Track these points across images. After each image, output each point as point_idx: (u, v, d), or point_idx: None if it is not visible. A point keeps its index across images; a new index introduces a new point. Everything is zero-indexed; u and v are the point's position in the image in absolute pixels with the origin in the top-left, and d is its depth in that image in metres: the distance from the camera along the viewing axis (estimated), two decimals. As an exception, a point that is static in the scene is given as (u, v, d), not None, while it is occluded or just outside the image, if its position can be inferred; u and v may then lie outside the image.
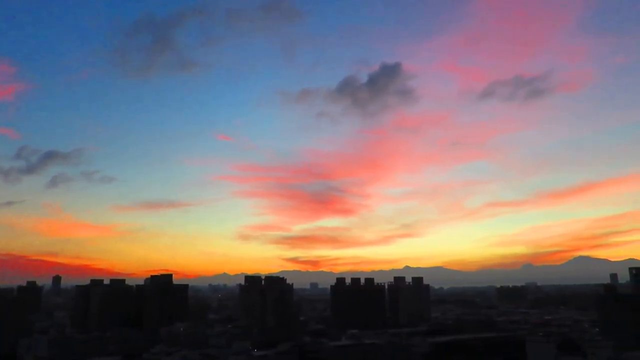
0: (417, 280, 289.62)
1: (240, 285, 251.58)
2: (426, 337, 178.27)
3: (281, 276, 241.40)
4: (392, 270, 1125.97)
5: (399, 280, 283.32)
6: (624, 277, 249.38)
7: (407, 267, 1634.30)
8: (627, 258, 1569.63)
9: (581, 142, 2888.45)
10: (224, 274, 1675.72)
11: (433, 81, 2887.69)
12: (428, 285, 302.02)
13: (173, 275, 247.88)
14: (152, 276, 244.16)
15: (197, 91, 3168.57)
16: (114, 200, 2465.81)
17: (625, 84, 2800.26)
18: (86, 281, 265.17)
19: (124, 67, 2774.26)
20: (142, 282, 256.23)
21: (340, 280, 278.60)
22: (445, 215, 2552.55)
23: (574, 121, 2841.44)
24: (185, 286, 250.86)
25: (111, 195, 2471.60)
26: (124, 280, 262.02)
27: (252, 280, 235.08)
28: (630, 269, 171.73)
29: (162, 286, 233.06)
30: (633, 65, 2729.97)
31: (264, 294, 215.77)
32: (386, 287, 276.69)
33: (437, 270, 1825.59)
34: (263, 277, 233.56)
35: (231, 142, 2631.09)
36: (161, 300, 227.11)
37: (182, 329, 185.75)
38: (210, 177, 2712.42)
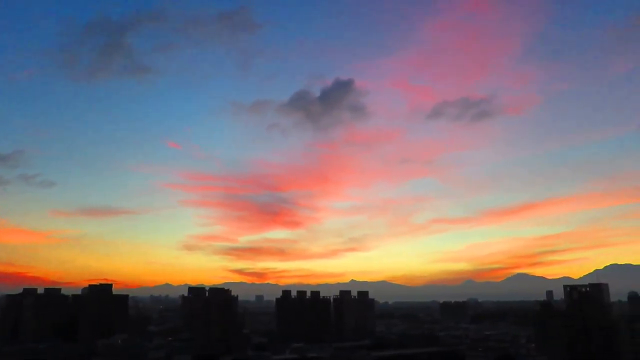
0: (363, 295, 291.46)
1: (183, 296, 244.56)
2: (370, 351, 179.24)
3: (226, 288, 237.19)
4: (338, 284, 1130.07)
5: (344, 294, 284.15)
6: (559, 294, 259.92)
7: (353, 281, 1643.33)
8: (562, 276, 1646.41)
9: (523, 164, 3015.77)
10: (167, 284, 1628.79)
11: (384, 98, 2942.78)
12: (373, 299, 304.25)
13: (113, 285, 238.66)
14: (90, 285, 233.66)
15: (147, 97, 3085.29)
16: (53, 205, 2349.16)
17: (566, 109, 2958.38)
18: (19, 290, 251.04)
19: (72, 68, 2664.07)
20: (79, 292, 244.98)
21: (286, 293, 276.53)
22: (393, 230, 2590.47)
23: (517, 143, 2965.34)
24: (125, 296, 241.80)
25: (51, 200, 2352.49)
26: (59, 290, 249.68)
27: (196, 292, 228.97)
28: (565, 286, 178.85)
29: (100, 296, 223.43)
30: (573, 92, 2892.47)
31: (208, 305, 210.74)
32: (332, 300, 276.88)
33: (382, 284, 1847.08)
34: (207, 289, 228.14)
35: (180, 150, 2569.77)
36: (99, 311, 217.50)
37: (120, 342, 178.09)
38: (157, 184, 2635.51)
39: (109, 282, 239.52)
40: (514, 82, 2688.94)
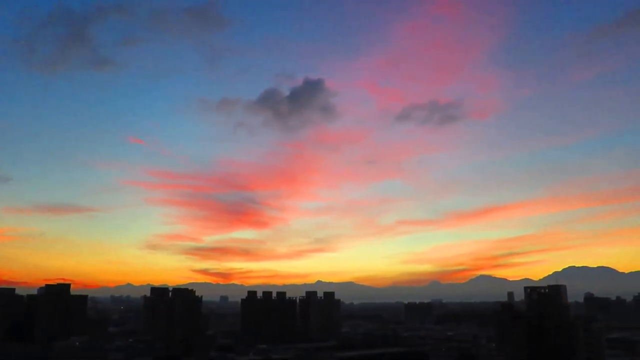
0: (329, 295, 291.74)
1: (145, 296, 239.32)
2: (335, 352, 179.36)
3: (190, 288, 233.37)
4: (305, 285, 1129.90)
5: (310, 294, 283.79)
6: (520, 295, 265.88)
7: (319, 282, 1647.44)
8: (523, 278, 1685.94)
9: (488, 167, 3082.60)
10: (128, 284, 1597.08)
11: (354, 99, 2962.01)
12: (339, 300, 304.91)
13: (71, 285, 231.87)
14: (47, 285, 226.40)
15: (110, 91, 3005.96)
16: (8, 201, 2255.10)
17: (529, 115, 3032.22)
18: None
19: (30, 59, 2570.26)
20: (35, 292, 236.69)
21: (252, 294, 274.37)
22: (359, 232, 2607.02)
23: (482, 147, 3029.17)
24: (84, 297, 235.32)
25: (5, 196, 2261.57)
26: (14, 290, 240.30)
27: (158, 292, 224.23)
28: (525, 288, 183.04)
29: (57, 296, 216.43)
30: (536, 99, 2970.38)
31: (171, 306, 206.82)
32: (298, 301, 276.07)
33: (348, 285, 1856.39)
34: (170, 289, 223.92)
35: (144, 147, 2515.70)
36: (56, 312, 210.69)
37: (78, 343, 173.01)
38: (119, 181, 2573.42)
39: (67, 282, 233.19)
40: (480, 87, 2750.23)
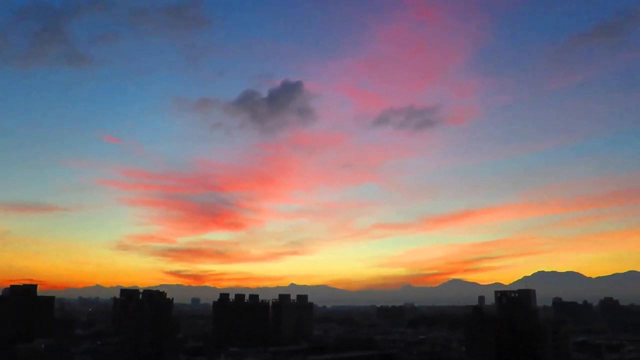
0: (302, 298, 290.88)
1: (114, 298, 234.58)
2: (306, 356, 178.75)
3: (161, 290, 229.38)
4: (278, 288, 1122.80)
5: (283, 297, 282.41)
6: (490, 299, 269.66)
7: (292, 285, 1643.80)
8: (494, 282, 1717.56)
9: (463, 172, 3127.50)
10: (97, 286, 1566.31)
11: (332, 102, 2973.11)
12: (312, 303, 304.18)
13: (38, 286, 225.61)
14: (11, 286, 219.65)
15: (85, 87, 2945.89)
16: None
17: (504, 121, 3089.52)
18: None
19: (3, 54, 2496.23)
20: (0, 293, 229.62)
21: (224, 296, 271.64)
22: (334, 235, 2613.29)
23: (458, 152, 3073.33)
24: (51, 298, 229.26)
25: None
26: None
27: (128, 294, 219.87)
28: (496, 292, 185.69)
29: (22, 297, 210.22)
30: (512, 105, 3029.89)
31: (141, 308, 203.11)
32: (271, 304, 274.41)
33: (322, 288, 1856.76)
34: (141, 291, 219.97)
35: (119, 145, 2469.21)
36: (21, 314, 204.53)
37: (43, 346, 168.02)
38: (92, 180, 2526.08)
39: (34, 283, 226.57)
40: (457, 93, 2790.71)
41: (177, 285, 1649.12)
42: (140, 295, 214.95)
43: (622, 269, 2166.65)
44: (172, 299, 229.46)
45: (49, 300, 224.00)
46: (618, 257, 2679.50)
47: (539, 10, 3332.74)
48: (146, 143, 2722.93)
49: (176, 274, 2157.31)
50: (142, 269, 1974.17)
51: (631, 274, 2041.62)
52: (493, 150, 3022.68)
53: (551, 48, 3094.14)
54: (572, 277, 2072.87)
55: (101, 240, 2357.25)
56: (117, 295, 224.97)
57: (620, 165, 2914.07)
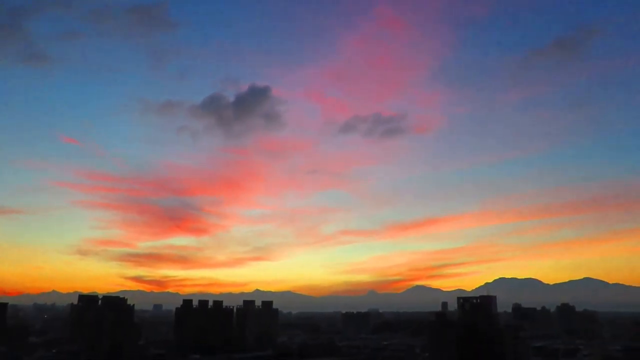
0: (267, 304, 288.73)
1: (72, 305, 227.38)
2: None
3: (122, 296, 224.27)
4: (242, 294, 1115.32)
5: (248, 303, 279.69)
6: (453, 305, 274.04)
7: (257, 291, 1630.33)
8: (456, 288, 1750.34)
9: (427, 181, 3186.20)
10: (54, 292, 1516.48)
11: (299, 108, 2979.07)
12: (277, 309, 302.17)
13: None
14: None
15: (43, 87, 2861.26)
16: None
17: (466, 132, 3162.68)
18: None
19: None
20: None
21: (187, 302, 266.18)
22: (299, 240, 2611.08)
23: (421, 161, 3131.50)
24: (4, 305, 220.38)
25: None
26: None
27: (87, 300, 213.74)
28: (458, 298, 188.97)
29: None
30: (473, 117, 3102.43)
31: (100, 315, 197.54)
32: (235, 310, 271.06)
33: (287, 294, 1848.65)
34: (100, 297, 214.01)
35: (78, 147, 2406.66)
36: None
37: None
38: (48, 182, 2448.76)
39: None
40: (421, 103, 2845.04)
41: (139, 291, 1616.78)
42: (100, 302, 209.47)
43: (578, 276, 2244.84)
44: (133, 305, 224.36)
45: (1, 307, 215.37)
46: (574, 265, 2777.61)
47: (500, 25, 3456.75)
48: (107, 145, 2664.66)
49: (137, 279, 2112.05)
50: (102, 275, 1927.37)
51: (586, 281, 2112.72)
52: (456, 160, 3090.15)
53: (510, 62, 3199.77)
54: (531, 283, 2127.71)
55: (58, 244, 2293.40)
56: (75, 301, 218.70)
57: (575, 176, 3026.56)
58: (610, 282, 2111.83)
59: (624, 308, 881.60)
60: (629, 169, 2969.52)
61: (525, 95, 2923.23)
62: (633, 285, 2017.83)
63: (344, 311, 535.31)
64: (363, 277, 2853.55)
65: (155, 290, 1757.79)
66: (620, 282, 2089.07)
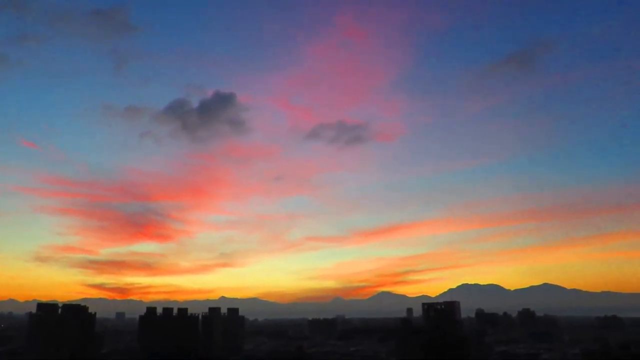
0: (233, 311, 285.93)
1: (30, 313, 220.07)
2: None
3: (83, 304, 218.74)
4: (208, 301, 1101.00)
5: (213, 311, 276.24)
6: (418, 311, 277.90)
7: (223, 298, 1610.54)
8: (421, 294, 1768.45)
9: (391, 188, 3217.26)
10: (11, 300, 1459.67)
11: (265, 115, 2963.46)
12: (243, 316, 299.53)
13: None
14: None
15: (2, 89, 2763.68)
16: None
17: (428, 140, 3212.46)
18: None
19: None
20: None
21: (151, 310, 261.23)
22: (266, 247, 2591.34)
23: (386, 168, 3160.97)
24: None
25: None
26: None
27: (46, 308, 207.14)
28: (423, 304, 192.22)
29: None
30: (435, 125, 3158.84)
31: (60, 324, 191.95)
32: (200, 317, 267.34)
33: (253, 301, 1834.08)
34: (60, 305, 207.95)
35: (38, 151, 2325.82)
36: None
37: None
38: (5, 187, 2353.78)
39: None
40: (385, 111, 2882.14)
41: (100, 299, 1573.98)
42: (60, 310, 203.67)
43: (538, 281, 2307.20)
44: (95, 313, 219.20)
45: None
46: (533, 271, 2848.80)
47: (458, 38, 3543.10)
48: (68, 149, 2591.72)
49: (99, 287, 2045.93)
50: (62, 282, 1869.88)
51: (545, 286, 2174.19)
52: (418, 167, 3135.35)
53: (470, 73, 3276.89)
54: (494, 289, 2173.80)
55: (16, 250, 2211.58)
56: (34, 310, 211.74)
57: (534, 184, 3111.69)
58: (568, 288, 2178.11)
59: (581, 312, 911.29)
60: (582, 179, 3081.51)
61: (485, 106, 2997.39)
62: (589, 290, 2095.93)
63: (310, 317, 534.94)
64: (329, 284, 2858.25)
65: (117, 298, 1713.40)
66: (577, 288, 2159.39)
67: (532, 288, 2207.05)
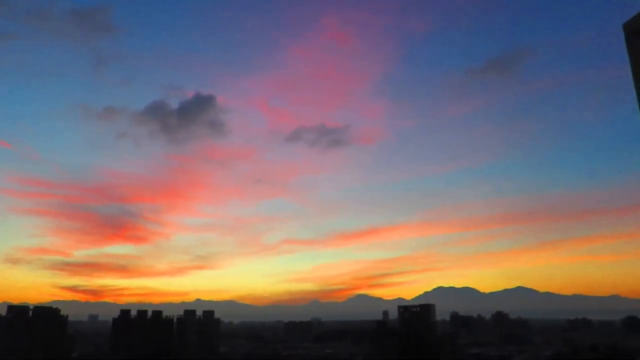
0: (208, 314, 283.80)
1: (0, 316, 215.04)
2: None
3: (55, 306, 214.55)
4: (183, 303, 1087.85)
5: (189, 313, 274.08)
6: (394, 313, 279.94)
7: (198, 300, 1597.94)
8: (397, 297, 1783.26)
9: (370, 191, 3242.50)
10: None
11: (245, 117, 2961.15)
12: (219, 319, 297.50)
13: None
14: None
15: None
16: None
17: (408, 144, 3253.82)
18: None
19: None
20: None
21: (125, 312, 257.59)
22: (243, 249, 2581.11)
23: (365, 171, 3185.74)
24: None
25: None
26: None
27: (17, 311, 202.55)
28: (399, 307, 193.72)
29: None
30: (416, 129, 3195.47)
31: (31, 326, 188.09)
32: (175, 320, 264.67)
33: (229, 304, 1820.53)
34: (31, 307, 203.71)
35: (11, 150, 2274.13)
36: None
37: None
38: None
39: None
40: (366, 114, 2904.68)
41: (73, 301, 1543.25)
42: (31, 312, 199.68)
43: (511, 284, 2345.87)
44: (67, 315, 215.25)
45: None
46: (507, 274, 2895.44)
47: (440, 43, 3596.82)
48: (43, 149, 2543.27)
49: (72, 289, 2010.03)
50: (34, 284, 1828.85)
51: (519, 290, 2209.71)
52: (397, 171, 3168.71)
53: (450, 78, 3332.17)
54: (468, 292, 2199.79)
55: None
56: (4, 312, 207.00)
57: (508, 189, 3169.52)
58: (541, 291, 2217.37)
59: (553, 315, 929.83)
60: (557, 184, 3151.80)
61: (464, 111, 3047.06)
62: (561, 293, 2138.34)
63: (286, 320, 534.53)
64: (306, 286, 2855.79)
65: (91, 300, 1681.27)
66: (550, 291, 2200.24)
67: (506, 291, 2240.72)
